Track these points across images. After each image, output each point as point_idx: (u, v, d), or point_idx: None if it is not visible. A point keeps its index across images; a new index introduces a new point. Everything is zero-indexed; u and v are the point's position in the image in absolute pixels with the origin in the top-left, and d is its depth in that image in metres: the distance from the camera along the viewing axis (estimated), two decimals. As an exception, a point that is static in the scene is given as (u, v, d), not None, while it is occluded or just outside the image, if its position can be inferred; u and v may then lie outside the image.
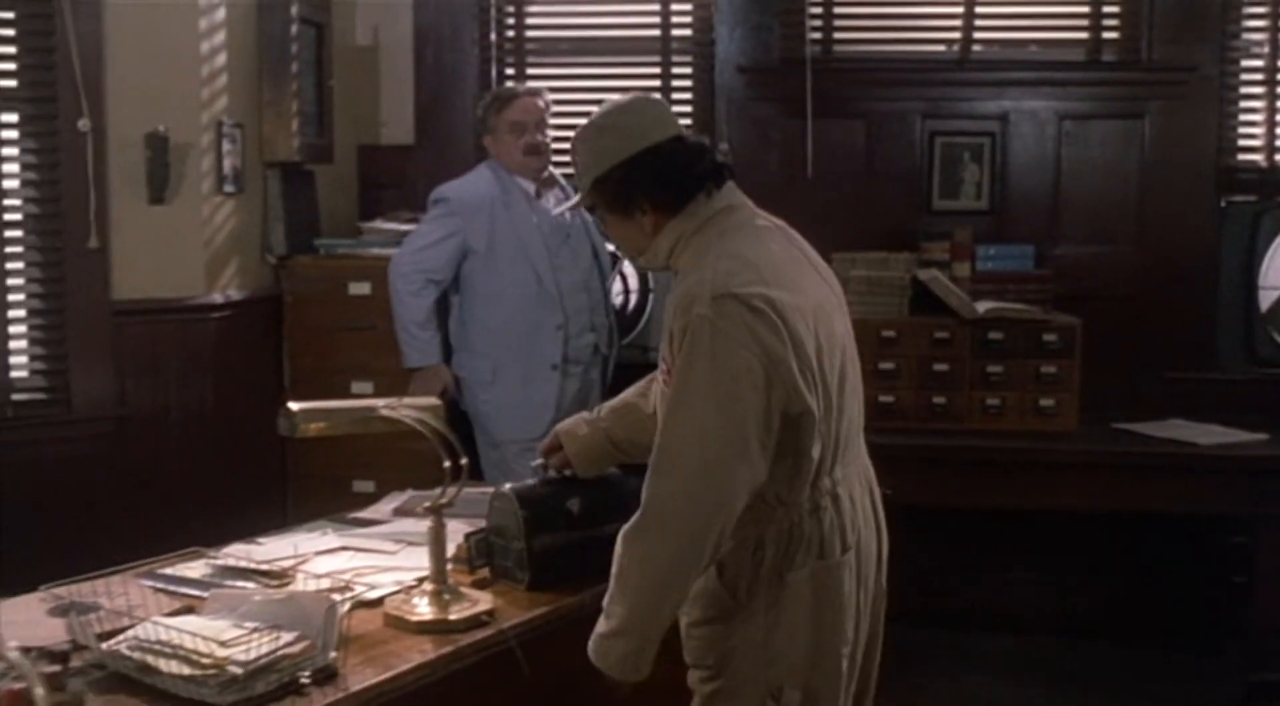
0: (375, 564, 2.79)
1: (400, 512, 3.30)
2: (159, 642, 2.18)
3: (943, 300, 4.61)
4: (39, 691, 1.32)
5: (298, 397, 4.54)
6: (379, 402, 2.64)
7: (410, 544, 2.95)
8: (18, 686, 1.55)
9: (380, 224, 4.91)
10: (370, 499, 3.71)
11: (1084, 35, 5.14)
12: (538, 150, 4.37)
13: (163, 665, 2.14)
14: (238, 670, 2.09)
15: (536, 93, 4.45)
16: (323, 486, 4.59)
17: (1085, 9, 5.13)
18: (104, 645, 2.21)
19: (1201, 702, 4.46)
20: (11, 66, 4.07)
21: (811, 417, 2.31)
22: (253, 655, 2.12)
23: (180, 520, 4.19)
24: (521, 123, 4.34)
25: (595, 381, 4.54)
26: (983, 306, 4.58)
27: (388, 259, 4.46)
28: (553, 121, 4.51)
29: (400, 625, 2.47)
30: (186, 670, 2.11)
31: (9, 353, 4.05)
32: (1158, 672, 4.71)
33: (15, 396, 4.07)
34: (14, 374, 4.08)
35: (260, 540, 2.98)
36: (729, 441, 2.22)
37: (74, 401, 4.15)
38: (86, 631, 2.26)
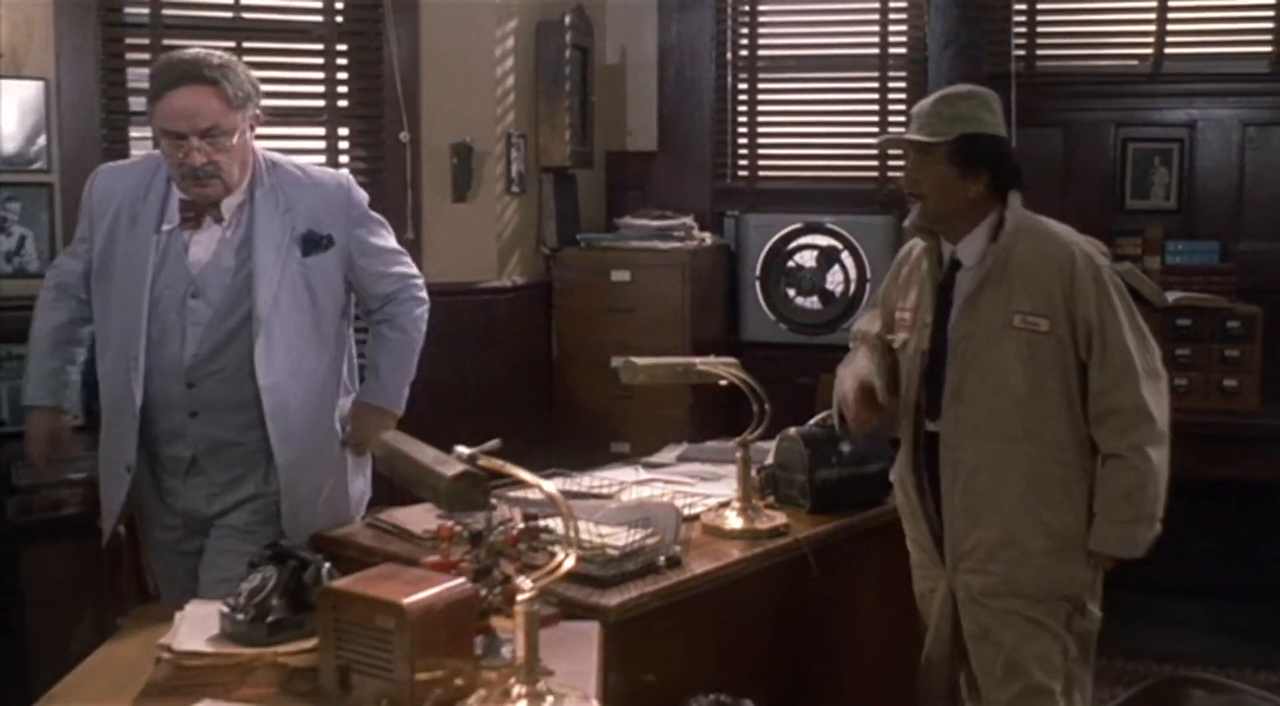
0: (680, 490, 3.49)
1: (683, 459, 3.99)
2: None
3: (1136, 289, 5.14)
4: (573, 523, 2.00)
5: (564, 372, 5.36)
6: (696, 360, 3.34)
7: (702, 479, 3.65)
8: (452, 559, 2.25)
9: (629, 220, 5.60)
10: (626, 458, 4.27)
11: (1268, 49, 5.53)
12: (195, 175, 2.96)
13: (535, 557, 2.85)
14: (615, 552, 2.79)
15: (211, 80, 2.93)
16: (584, 447, 5.24)
17: (1269, 24, 5.53)
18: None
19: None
20: (345, 88, 4.90)
21: None
22: (624, 541, 2.83)
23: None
24: (172, 132, 2.95)
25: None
26: (1172, 296, 5.10)
27: (646, 250, 5.20)
28: (775, 131, 5.02)
29: (716, 533, 3.16)
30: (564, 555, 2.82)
31: (340, 326, 4.85)
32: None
33: (345, 363, 4.89)
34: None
35: (575, 475, 3.67)
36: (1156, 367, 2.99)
37: (390, 367, 4.93)
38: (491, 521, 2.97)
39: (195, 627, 2.31)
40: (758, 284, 5.77)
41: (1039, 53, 5.72)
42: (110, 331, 3.11)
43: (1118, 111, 5.66)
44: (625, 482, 3.50)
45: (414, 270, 3.45)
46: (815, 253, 5.70)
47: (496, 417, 5.10)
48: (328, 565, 2.29)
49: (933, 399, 3.10)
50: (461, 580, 2.11)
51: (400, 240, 4.80)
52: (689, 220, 5.53)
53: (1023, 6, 5.69)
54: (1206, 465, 4.91)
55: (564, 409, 5.40)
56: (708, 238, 5.59)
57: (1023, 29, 5.69)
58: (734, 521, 3.18)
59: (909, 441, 3.19)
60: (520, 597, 1.99)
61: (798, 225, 5.71)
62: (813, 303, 5.70)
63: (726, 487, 3.47)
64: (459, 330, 5.01)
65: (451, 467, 1.96)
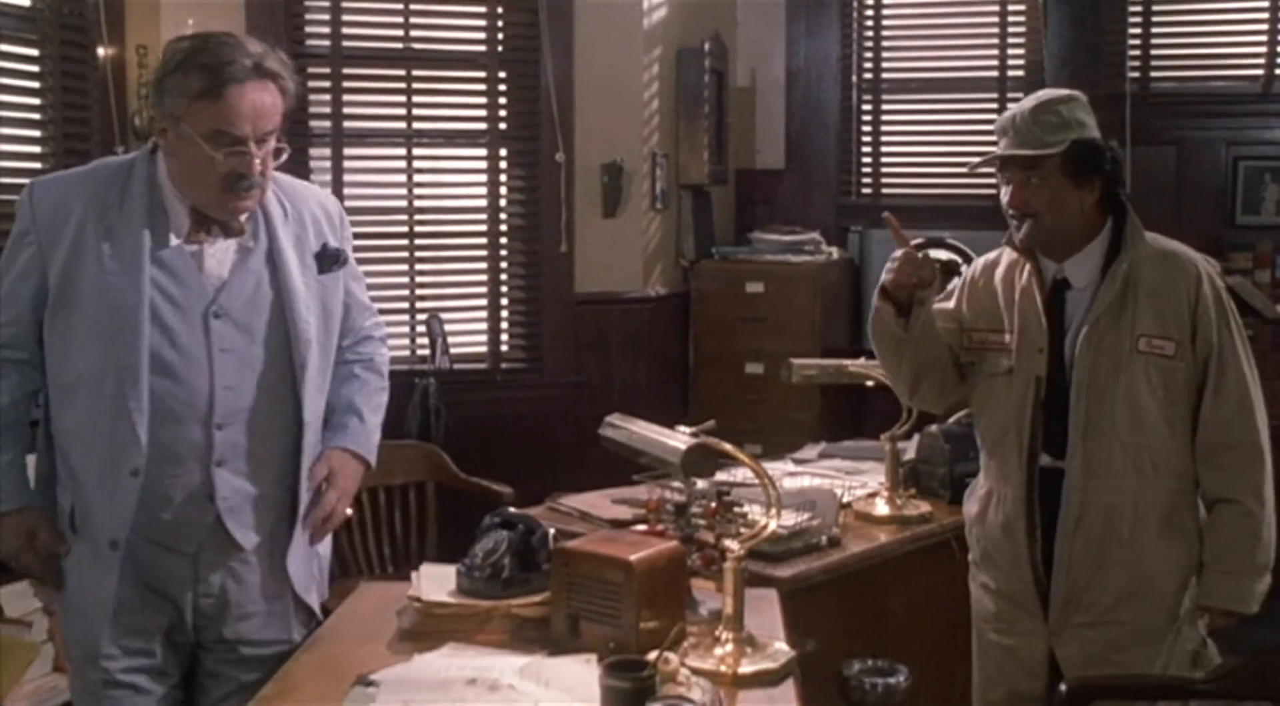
0: (829, 482, 3.82)
1: (823, 455, 4.32)
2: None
3: (1247, 302, 5.38)
4: (775, 492, 2.34)
5: (700, 377, 5.68)
6: (847, 362, 3.67)
7: (845, 472, 3.98)
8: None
9: (760, 234, 5.94)
10: (758, 459, 4.57)
11: (1376, 70, 5.81)
12: (250, 186, 2.45)
13: (729, 527, 3.20)
14: (783, 532, 3.13)
15: (274, 74, 2.44)
16: (717, 447, 5.64)
17: (1376, 47, 5.81)
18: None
19: None
20: (504, 112, 5.31)
21: None
22: (791, 522, 3.17)
23: (619, 463, 5.32)
24: (232, 135, 2.40)
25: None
26: (1283, 308, 5.35)
27: (779, 263, 5.53)
28: (897, 149, 5.32)
29: (866, 518, 3.50)
30: (746, 530, 3.17)
31: (500, 330, 5.31)
32: None
33: (503, 364, 5.33)
34: (503, 347, 5.34)
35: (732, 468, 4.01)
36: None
37: (545, 369, 5.37)
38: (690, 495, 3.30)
39: (434, 584, 2.67)
40: (880, 295, 6.04)
41: (1153, 74, 5.99)
42: (80, 374, 2.47)
43: (1229, 130, 5.90)
44: (780, 473, 3.84)
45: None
46: (935, 266, 5.96)
47: (639, 415, 5.47)
48: (553, 530, 2.65)
49: (1051, 432, 2.87)
50: (675, 542, 2.47)
51: (555, 253, 5.27)
52: (817, 235, 5.85)
53: (1137, 30, 5.96)
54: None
55: (700, 411, 5.74)
56: (834, 251, 5.91)
57: (1137, 51, 5.96)
58: (882, 508, 3.52)
59: (1021, 479, 2.90)
60: (730, 556, 2.34)
61: (919, 240, 5.89)
62: (933, 313, 5.96)
63: (868, 480, 3.81)
64: (608, 337, 5.41)
65: (685, 441, 2.32)
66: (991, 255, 3.08)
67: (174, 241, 2.50)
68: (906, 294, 2.91)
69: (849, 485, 3.78)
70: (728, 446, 2.39)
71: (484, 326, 5.32)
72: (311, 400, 2.60)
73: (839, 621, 3.15)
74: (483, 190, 5.31)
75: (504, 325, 5.35)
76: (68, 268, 2.46)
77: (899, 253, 2.91)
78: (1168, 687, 2.58)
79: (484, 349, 5.31)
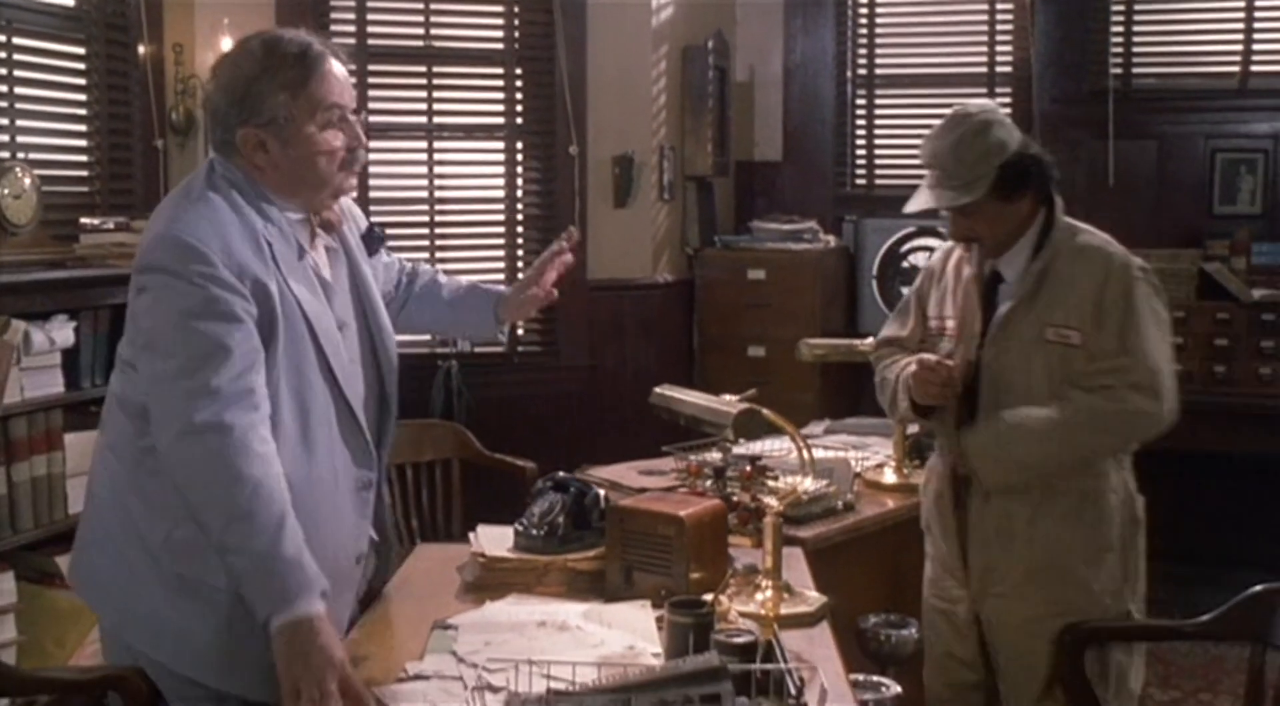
0: (838, 456, 4.09)
1: (829, 431, 4.59)
2: (750, 481, 3.51)
3: (1225, 287, 5.68)
4: (809, 453, 2.61)
5: (705, 359, 5.95)
6: (857, 342, 3.95)
7: (853, 447, 4.25)
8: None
9: (760, 223, 6.20)
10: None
11: (1348, 66, 6.10)
12: (363, 158, 2.45)
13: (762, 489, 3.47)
14: (805, 496, 3.40)
15: (335, 49, 2.41)
16: (723, 426, 5.90)
17: (1346, 45, 6.09)
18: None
19: None
20: (521, 107, 5.56)
21: None
22: (812, 487, 3.44)
23: (633, 441, 5.57)
24: (341, 106, 2.36)
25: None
26: (1258, 293, 5.64)
27: (779, 251, 5.80)
28: (891, 141, 5.69)
29: (876, 486, 3.79)
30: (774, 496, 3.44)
31: (517, 317, 5.55)
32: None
33: (520, 348, 5.59)
34: (519, 332, 5.58)
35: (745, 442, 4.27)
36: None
37: (560, 354, 5.64)
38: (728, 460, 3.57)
39: (493, 542, 2.92)
40: (874, 282, 6.30)
41: (1135, 71, 6.25)
42: (309, 408, 2.37)
43: (1208, 124, 6.17)
44: (792, 449, 4.11)
45: None
46: (928, 254, 6.24)
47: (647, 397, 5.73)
48: (603, 491, 2.91)
49: (972, 412, 3.08)
50: (719, 500, 2.73)
51: (569, 241, 5.51)
52: (815, 224, 6.10)
53: (1120, 29, 6.22)
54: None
55: (706, 393, 5.98)
56: (831, 240, 6.17)
57: (1120, 49, 6.23)
58: (890, 477, 3.81)
59: (948, 454, 3.17)
60: (770, 512, 2.61)
61: (911, 229, 6.22)
62: (926, 299, 6.24)
63: (873, 453, 4.08)
64: (620, 322, 5.68)
65: (734, 406, 2.59)
66: (948, 243, 3.28)
67: (307, 254, 2.42)
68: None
69: (858, 457, 4.06)
70: (767, 412, 2.64)
71: (502, 312, 5.56)
72: (395, 392, 2.63)
73: (856, 579, 3.42)
74: (500, 181, 5.57)
75: (521, 311, 5.59)
76: (264, 307, 2.27)
77: (930, 364, 3.05)
78: (1158, 631, 2.84)
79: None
